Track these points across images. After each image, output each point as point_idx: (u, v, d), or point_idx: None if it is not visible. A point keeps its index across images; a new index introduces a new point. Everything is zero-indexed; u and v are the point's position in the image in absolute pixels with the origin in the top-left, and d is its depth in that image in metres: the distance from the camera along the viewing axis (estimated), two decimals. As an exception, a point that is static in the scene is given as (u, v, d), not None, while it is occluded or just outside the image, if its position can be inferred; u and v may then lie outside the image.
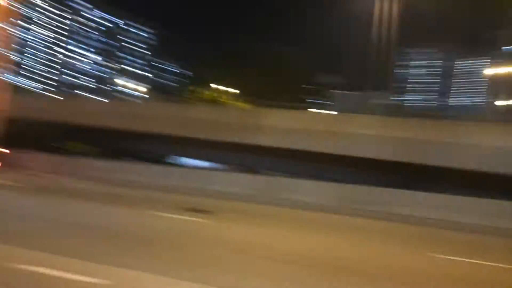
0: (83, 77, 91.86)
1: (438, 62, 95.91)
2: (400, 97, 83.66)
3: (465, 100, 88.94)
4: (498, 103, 51.37)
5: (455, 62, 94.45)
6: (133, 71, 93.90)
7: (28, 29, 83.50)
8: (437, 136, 15.23)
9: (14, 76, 67.18)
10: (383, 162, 15.14)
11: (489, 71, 72.25)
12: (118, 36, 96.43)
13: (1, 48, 19.87)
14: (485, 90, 75.90)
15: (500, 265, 6.29)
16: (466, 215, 11.87)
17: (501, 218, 11.52)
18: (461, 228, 10.44)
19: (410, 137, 15.42)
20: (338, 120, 19.99)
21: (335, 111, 37.76)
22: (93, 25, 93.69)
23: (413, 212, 12.33)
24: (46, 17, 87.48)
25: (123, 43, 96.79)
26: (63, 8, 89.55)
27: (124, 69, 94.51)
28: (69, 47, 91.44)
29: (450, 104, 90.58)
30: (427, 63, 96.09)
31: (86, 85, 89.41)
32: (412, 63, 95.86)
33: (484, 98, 75.55)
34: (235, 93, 42.68)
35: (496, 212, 11.90)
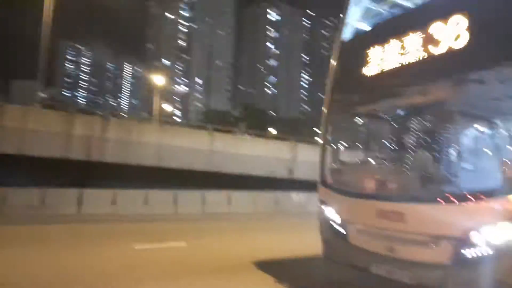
0: None
1: (104, 65, 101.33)
2: (67, 92, 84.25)
3: (126, 101, 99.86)
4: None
5: (118, 67, 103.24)
6: None
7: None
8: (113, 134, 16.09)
9: None
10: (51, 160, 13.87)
11: (145, 79, 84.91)
12: None
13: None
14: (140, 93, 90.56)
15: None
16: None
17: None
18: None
19: (82, 134, 15.07)
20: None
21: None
22: None
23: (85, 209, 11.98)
24: None
25: None
26: None
27: None
28: None
29: (111, 103, 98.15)
30: (93, 63, 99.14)
31: None
32: (80, 61, 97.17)
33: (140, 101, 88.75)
34: None
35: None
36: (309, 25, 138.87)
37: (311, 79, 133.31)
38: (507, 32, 3.53)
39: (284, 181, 20.66)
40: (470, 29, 3.69)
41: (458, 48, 3.78)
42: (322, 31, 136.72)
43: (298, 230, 9.50)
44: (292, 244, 7.58)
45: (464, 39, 3.74)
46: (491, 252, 3.35)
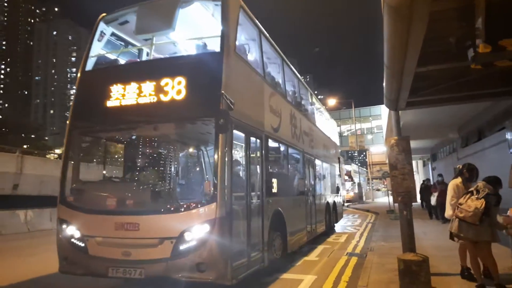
0: None
1: None
2: None
3: None
4: None
5: None
6: None
7: None
8: None
9: None
10: None
11: None
12: None
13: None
14: None
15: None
16: None
17: None
18: None
19: None
20: None
21: None
22: None
23: None
24: None
25: None
26: None
27: None
28: None
29: None
30: None
31: None
32: None
33: None
34: None
35: None
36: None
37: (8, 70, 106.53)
38: (204, 95, 5.25)
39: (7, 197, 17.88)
40: (187, 87, 5.23)
41: (178, 98, 5.23)
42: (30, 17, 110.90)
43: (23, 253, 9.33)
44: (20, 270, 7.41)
45: (182, 94, 5.23)
46: (195, 244, 4.71)
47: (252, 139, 6.15)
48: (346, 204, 31.20)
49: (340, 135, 43.56)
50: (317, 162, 11.62)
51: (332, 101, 39.30)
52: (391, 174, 6.07)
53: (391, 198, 22.91)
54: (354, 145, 39.35)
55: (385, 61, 4.79)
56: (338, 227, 14.21)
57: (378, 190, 55.73)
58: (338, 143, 17.46)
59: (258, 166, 6.41)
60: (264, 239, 6.12)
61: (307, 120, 10.69)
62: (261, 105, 6.78)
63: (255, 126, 6.29)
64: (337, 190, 14.99)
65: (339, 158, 16.65)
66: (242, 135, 5.85)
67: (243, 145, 5.96)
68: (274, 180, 7.03)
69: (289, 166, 8.77)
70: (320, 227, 11.01)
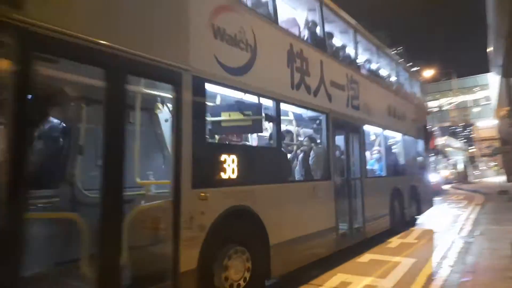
0: None
1: None
2: None
3: None
4: None
5: None
6: None
7: None
8: None
9: None
10: None
11: None
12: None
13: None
14: None
15: None
16: None
17: None
18: None
19: None
20: None
21: None
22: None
23: None
24: None
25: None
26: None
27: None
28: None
29: None
30: None
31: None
32: None
33: None
34: None
35: None
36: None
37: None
38: None
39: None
40: None
41: None
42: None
43: None
44: None
45: None
46: None
47: (146, 81, 3.69)
48: (448, 185, 28.65)
49: (440, 108, 39.95)
50: (371, 130, 8.42)
51: (429, 72, 36.08)
52: (503, 150, 5.43)
53: (504, 177, 20.69)
54: (456, 119, 35.80)
55: (488, 20, 4.21)
56: (436, 210, 12.91)
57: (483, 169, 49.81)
58: (423, 107, 12.70)
59: (169, 133, 3.92)
60: (178, 268, 3.33)
61: (343, 66, 7.13)
62: (176, 17, 3.64)
63: (153, 57, 3.30)
64: (419, 171, 10.96)
65: (425, 128, 11.84)
66: (102, 71, 2.96)
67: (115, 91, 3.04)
68: (232, 158, 4.06)
69: (290, 135, 6.25)
70: (377, 224, 7.79)
